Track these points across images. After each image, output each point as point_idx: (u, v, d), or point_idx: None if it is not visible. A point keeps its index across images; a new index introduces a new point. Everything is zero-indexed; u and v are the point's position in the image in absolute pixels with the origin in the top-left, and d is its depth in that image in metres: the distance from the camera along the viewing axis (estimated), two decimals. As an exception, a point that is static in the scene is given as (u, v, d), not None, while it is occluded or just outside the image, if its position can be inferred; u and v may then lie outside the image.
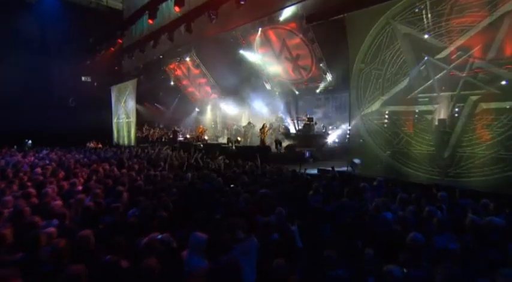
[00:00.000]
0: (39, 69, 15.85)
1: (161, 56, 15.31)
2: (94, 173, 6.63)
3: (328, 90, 14.43)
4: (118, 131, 18.58)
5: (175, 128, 19.00)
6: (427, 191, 5.16)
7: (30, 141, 14.74)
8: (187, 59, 18.16)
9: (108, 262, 2.70)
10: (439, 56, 6.36)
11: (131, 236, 3.36)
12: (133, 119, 16.78)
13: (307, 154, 11.44)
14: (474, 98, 5.88)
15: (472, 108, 5.90)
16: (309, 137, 13.14)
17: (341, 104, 13.79)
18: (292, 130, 14.54)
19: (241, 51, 15.36)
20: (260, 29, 14.08)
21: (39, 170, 6.61)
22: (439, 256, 2.89)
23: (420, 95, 6.76)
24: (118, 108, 18.43)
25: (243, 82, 16.18)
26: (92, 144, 17.49)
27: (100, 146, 16.94)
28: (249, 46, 15.31)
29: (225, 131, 17.57)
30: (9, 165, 7.69)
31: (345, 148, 9.98)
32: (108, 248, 2.97)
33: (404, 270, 2.48)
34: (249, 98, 16.13)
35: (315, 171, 8.43)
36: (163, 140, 18.19)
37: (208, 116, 20.41)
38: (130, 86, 16.62)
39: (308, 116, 14.21)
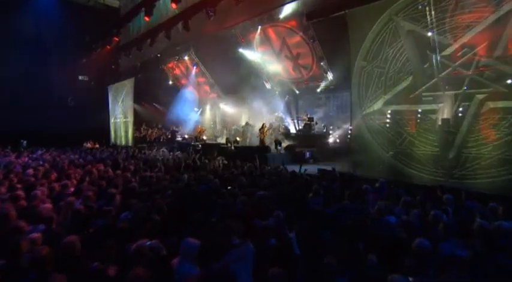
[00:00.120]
0: (35, 68, 15.75)
1: (159, 55, 15.18)
2: (87, 174, 6.50)
3: (329, 90, 14.31)
4: (115, 131, 18.46)
5: (174, 128, 18.88)
6: (432, 193, 5.03)
7: (25, 142, 14.61)
8: (186, 57, 18.04)
9: (95, 270, 2.58)
10: (444, 54, 6.22)
11: (122, 241, 3.24)
12: (130, 119, 16.66)
13: (308, 155, 11.32)
14: (480, 96, 5.74)
15: (478, 107, 5.76)
16: (310, 137, 13.03)
17: (342, 104, 13.66)
18: (293, 130, 14.40)
19: (241, 50, 15.23)
20: (260, 27, 13.95)
21: (31, 171, 6.49)
22: (446, 263, 2.76)
23: (424, 94, 6.63)
24: (115, 108, 18.32)
25: (242, 81, 16.05)
26: (89, 145, 17.39)
27: (97, 146, 16.84)
28: (248, 44, 15.17)
29: (224, 131, 17.43)
30: (0, 166, 7.57)
31: (347, 148, 9.84)
32: (96, 255, 2.85)
33: (410, 279, 2.34)
34: (249, 97, 15.99)
35: (315, 172, 8.30)
36: (161, 140, 18.07)
37: (207, 115, 20.28)
38: (127, 85, 16.50)
39: (308, 116, 14.09)
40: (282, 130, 14.29)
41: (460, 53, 6.00)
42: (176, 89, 20.73)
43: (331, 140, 13.32)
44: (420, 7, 6.56)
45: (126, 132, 17.17)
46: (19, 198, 4.26)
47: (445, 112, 6.38)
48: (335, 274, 2.61)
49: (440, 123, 6.55)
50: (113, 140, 18.59)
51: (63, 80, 16.99)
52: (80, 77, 18.41)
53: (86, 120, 16.98)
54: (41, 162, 8.34)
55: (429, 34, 6.41)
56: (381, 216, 3.95)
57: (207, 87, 19.90)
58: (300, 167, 7.53)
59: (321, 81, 14.33)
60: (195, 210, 4.28)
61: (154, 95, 20.29)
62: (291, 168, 7.73)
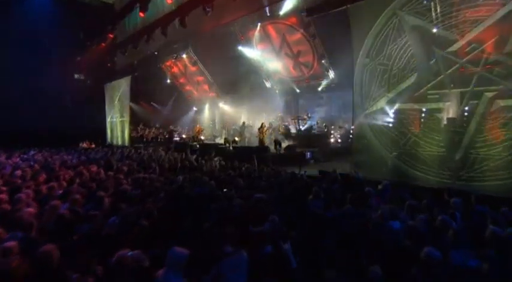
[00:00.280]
0: (30, 66, 15.58)
1: (156, 53, 15.00)
2: (78, 175, 6.32)
3: (330, 88, 14.16)
4: (112, 131, 18.30)
5: (172, 128, 18.71)
6: (438, 197, 4.82)
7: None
8: (184, 56, 17.86)
9: (73, 283, 2.39)
10: (450, 50, 6.01)
11: (106, 249, 3.06)
12: (127, 118, 16.49)
13: (308, 155, 11.15)
14: (490, 94, 5.52)
15: (487, 105, 5.55)
16: (310, 137, 12.85)
17: (344, 103, 13.45)
18: (293, 130, 14.22)
19: (240, 48, 15.06)
20: (259, 24, 13.79)
21: (19, 172, 6.30)
22: (458, 275, 2.56)
23: (430, 92, 6.41)
24: (111, 107, 18.15)
25: (241, 80, 15.90)
26: (84, 145, 17.22)
27: (93, 146, 16.67)
28: (247, 42, 15.00)
29: (223, 131, 17.26)
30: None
31: (348, 149, 9.64)
32: (77, 265, 2.66)
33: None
34: (248, 96, 15.83)
35: (316, 173, 8.11)
36: (158, 140, 17.89)
37: (206, 115, 20.11)
38: (124, 83, 16.32)
39: (309, 115, 13.90)
40: (282, 130, 14.11)
41: (467, 49, 5.79)
42: (174, 87, 20.57)
43: (332, 140, 13.13)
44: (425, 1, 6.36)
45: (123, 131, 17.00)
46: (1, 201, 4.08)
47: (452, 111, 6.17)
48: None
49: (445, 122, 6.34)
50: (109, 139, 18.43)
51: (59, 79, 16.82)
52: (76, 76, 18.23)
53: (82, 119, 16.82)
54: (31, 163, 8.15)
55: (435, 29, 6.19)
56: (384, 222, 3.75)
57: (205, 86, 19.73)
58: (300, 168, 7.35)
59: (322, 80, 14.18)
60: (187, 215, 4.11)
61: (152, 93, 20.13)
62: (290, 169, 7.54)
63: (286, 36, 13.80)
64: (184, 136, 17.78)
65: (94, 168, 7.51)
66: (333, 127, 13.71)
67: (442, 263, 2.54)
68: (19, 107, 15.03)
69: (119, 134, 17.40)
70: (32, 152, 11.04)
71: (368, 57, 7.37)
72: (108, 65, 15.75)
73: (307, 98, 15.49)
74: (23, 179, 5.85)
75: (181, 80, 20.45)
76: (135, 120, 18.17)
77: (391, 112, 7.19)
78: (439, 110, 6.44)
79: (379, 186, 5.44)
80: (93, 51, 15.16)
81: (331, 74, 13.64)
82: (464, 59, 5.85)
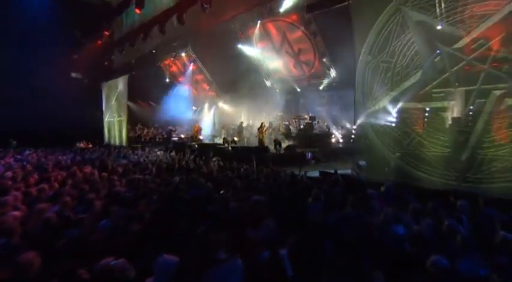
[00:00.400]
0: (27, 65, 15.49)
1: (154, 51, 14.88)
2: (71, 176, 6.19)
3: (331, 87, 14.03)
4: (109, 131, 18.19)
5: (170, 128, 18.59)
6: (444, 199, 4.67)
7: (15, 142, 14.37)
8: (183, 54, 17.77)
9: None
10: (456, 46, 5.85)
11: (95, 255, 2.93)
12: (124, 118, 16.37)
13: (309, 155, 11.01)
14: (498, 92, 5.35)
15: (495, 104, 5.38)
16: (311, 137, 12.73)
17: (346, 102, 13.30)
18: (293, 130, 14.07)
19: (240, 46, 14.93)
20: (259, 21, 13.65)
21: (9, 173, 6.18)
22: (466, 285, 2.42)
23: (434, 90, 6.26)
24: (109, 106, 18.03)
25: (241, 79, 15.77)
26: (82, 145, 17.13)
27: (90, 146, 16.58)
28: (247, 40, 14.88)
29: (222, 131, 17.13)
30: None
31: (350, 149, 9.51)
32: (62, 273, 2.53)
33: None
34: (248, 95, 15.69)
35: (316, 174, 7.98)
36: (157, 140, 17.78)
37: (205, 114, 19.98)
38: (121, 82, 16.20)
39: (310, 115, 13.77)
40: (282, 130, 13.97)
41: (474, 46, 5.63)
42: (173, 86, 20.45)
43: (334, 140, 12.98)
44: (430, -4, 6.19)
45: (120, 131, 16.89)
46: (-14, 204, 3.94)
47: (455, 110, 6.01)
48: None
49: (450, 122, 6.18)
50: (106, 139, 18.32)
51: (56, 78, 16.72)
52: (73, 75, 18.12)
53: (80, 119, 16.70)
54: (24, 164, 8.04)
55: (440, 25, 6.03)
56: (387, 226, 3.61)
57: (205, 85, 19.62)
58: (300, 169, 7.20)
59: (324, 79, 14.06)
60: (181, 218, 3.97)
61: (151, 93, 19.98)
62: (290, 170, 7.41)
63: (287, 34, 13.68)
64: (182, 136, 17.65)
65: (88, 169, 7.38)
66: (334, 127, 13.56)
67: (449, 271, 2.39)
68: (16, 106, 14.94)
69: (117, 133, 17.29)
70: (27, 152, 10.93)
71: (370, 54, 7.22)
72: (106, 63, 15.62)
73: (308, 97, 15.32)
74: (14, 180, 5.72)
75: (180, 79, 20.33)
76: (133, 120, 18.05)
77: (394, 111, 7.04)
78: (444, 109, 6.28)
79: (382, 188, 5.30)
80: (89, 50, 15.05)
81: (333, 73, 13.51)
82: (471, 56, 5.69)
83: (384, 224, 3.71)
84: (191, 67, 18.67)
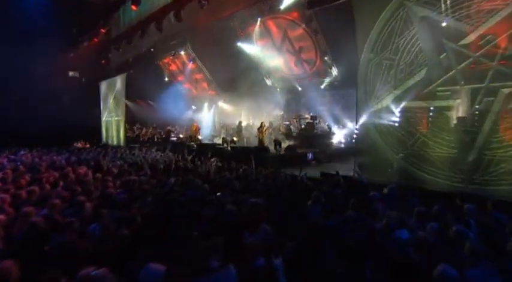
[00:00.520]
0: (23, 63, 15.39)
1: (152, 49, 14.77)
2: (63, 178, 6.07)
3: (333, 86, 13.90)
4: (107, 130, 18.08)
5: (169, 127, 18.48)
6: (450, 202, 4.51)
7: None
8: (182, 52, 17.65)
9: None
10: (462, 42, 5.67)
11: (79, 263, 2.80)
12: (122, 117, 16.25)
13: (310, 156, 10.87)
14: (507, 90, 5.18)
15: (503, 103, 5.21)
16: (312, 137, 12.59)
17: (348, 101, 13.15)
18: (294, 129, 13.93)
19: (239, 44, 14.80)
20: (259, 19, 13.53)
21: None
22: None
23: (440, 88, 6.09)
24: (107, 106, 17.93)
25: (241, 77, 15.64)
26: (79, 145, 17.03)
27: (88, 146, 16.48)
28: (247, 38, 14.75)
29: (222, 131, 17.01)
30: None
31: (352, 149, 9.36)
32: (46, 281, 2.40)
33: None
34: (248, 94, 15.57)
35: (318, 175, 7.84)
36: (155, 140, 17.67)
37: (205, 114, 19.86)
38: (119, 81, 16.08)
39: (311, 114, 13.62)
40: (282, 129, 13.82)
41: (481, 42, 5.46)
42: (173, 85, 20.34)
43: (335, 140, 12.84)
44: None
45: (118, 131, 16.77)
46: (-29, 207, 3.82)
47: (463, 109, 5.85)
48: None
49: (455, 121, 6.03)
50: (104, 139, 18.22)
51: (53, 77, 16.63)
52: (71, 73, 18.04)
53: (78, 118, 16.61)
54: (17, 164, 7.93)
55: (445, 20, 5.87)
56: (390, 231, 3.46)
57: (204, 84, 19.51)
58: (300, 170, 7.06)
59: (325, 77, 13.94)
60: (174, 222, 3.84)
61: (150, 92, 19.88)
62: (290, 171, 7.27)
63: (288, 31, 13.54)
64: (181, 136, 17.54)
65: (82, 169, 7.27)
66: (336, 127, 13.40)
67: (458, 282, 2.24)
68: (14, 107, 14.86)
69: (114, 133, 17.18)
70: (21, 152, 10.84)
71: (373, 52, 7.05)
72: (103, 61, 15.51)
73: (309, 96, 15.16)
74: (4, 181, 5.61)
75: (180, 78, 20.23)
76: (131, 119, 17.95)
77: (397, 110, 6.88)
78: (449, 108, 6.12)
79: (385, 190, 5.17)
80: (86, 48, 14.95)
81: (335, 71, 13.37)
82: (478, 53, 5.52)
83: (386, 228, 3.57)
84: (190, 66, 18.57)
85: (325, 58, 13.25)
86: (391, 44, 6.67)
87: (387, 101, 6.97)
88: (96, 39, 13.97)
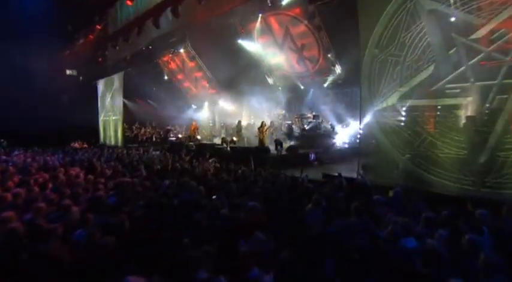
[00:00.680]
0: (20, 62, 15.38)
1: (150, 47, 14.63)
2: (53, 179, 5.92)
3: (337, 84, 13.70)
4: (104, 130, 18.01)
5: (169, 127, 18.36)
6: (460, 207, 4.30)
7: (5, 141, 14.25)
8: (182, 50, 17.49)
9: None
10: (474, 37, 5.45)
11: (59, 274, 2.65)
12: (120, 117, 16.16)
13: (312, 156, 10.68)
14: (521, 88, 4.98)
15: (518, 101, 5.00)
16: (315, 137, 12.38)
17: (351, 100, 12.95)
18: (296, 129, 13.72)
19: (240, 41, 14.62)
20: (260, 15, 13.34)
21: (-13, 176, 5.94)
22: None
23: (449, 86, 5.86)
24: (104, 105, 17.85)
25: (242, 75, 15.46)
26: (77, 145, 16.98)
27: (85, 146, 16.42)
28: (248, 35, 14.58)
29: (222, 131, 16.85)
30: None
31: (356, 150, 9.17)
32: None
33: None
34: (249, 93, 15.39)
35: (319, 177, 7.65)
36: (154, 140, 17.56)
37: (205, 113, 19.72)
38: (116, 79, 15.98)
39: (314, 113, 13.40)
40: (284, 129, 13.63)
41: (494, 36, 5.23)
42: (172, 84, 20.22)
43: (338, 140, 12.62)
44: (444, -18, 5.80)
45: (116, 131, 16.68)
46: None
47: (473, 107, 5.62)
48: None
49: (465, 120, 5.80)
50: (102, 139, 18.14)
51: (51, 76, 16.59)
52: (68, 72, 17.98)
53: (76, 118, 16.57)
54: (8, 165, 7.81)
55: (455, 13, 5.65)
56: (396, 239, 3.26)
57: (204, 83, 19.35)
58: (302, 171, 6.87)
59: (328, 75, 13.73)
60: (165, 228, 3.67)
61: (149, 90, 19.79)
62: (291, 173, 7.09)
63: (290, 28, 13.34)
64: (180, 136, 17.40)
65: (75, 170, 7.14)
66: (339, 126, 13.18)
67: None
68: (11, 106, 14.84)
69: (112, 133, 17.10)
70: (15, 152, 10.75)
71: (377, 47, 6.84)
72: (99, 59, 15.41)
73: (312, 95, 14.96)
74: (-8, 183, 5.47)
75: (179, 77, 20.09)
76: (129, 119, 17.84)
77: (403, 109, 6.67)
78: (459, 107, 5.90)
79: (390, 193, 4.98)
80: (81, 45, 14.85)
81: (338, 69, 13.15)
82: (490, 48, 5.29)
83: (391, 235, 3.37)
84: (190, 64, 18.42)
85: (329, 55, 13.04)
86: (397, 39, 6.46)
87: (393, 99, 6.76)
88: (91, 36, 13.86)
